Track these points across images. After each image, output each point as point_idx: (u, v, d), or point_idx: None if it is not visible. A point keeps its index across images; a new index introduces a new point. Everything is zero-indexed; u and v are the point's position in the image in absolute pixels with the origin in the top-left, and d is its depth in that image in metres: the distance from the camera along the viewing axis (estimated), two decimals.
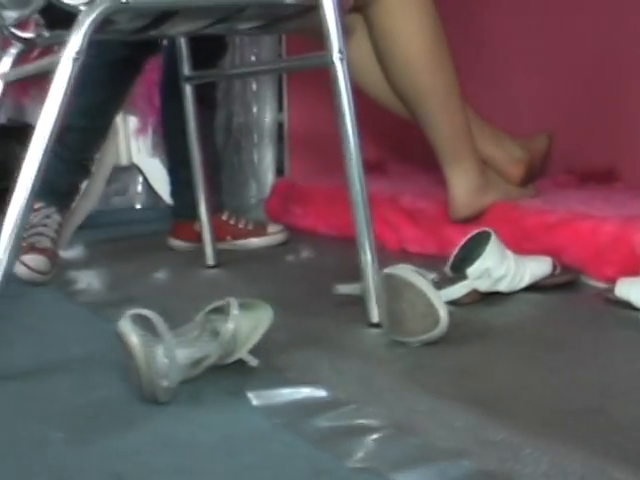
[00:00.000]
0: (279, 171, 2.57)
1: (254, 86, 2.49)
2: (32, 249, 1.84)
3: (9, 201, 1.26)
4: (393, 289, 1.35)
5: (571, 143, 2.12)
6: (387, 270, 1.38)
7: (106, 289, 1.75)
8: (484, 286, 1.54)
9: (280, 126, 2.49)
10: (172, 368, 1.13)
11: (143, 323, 1.16)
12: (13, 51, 1.64)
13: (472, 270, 1.53)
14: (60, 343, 1.43)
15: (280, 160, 2.56)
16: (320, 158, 2.47)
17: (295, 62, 1.62)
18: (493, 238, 1.55)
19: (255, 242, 2.14)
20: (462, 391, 1.14)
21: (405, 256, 1.98)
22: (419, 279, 1.33)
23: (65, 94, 1.26)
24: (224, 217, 2.13)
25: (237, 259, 2.01)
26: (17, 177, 1.25)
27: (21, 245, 1.86)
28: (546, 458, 0.94)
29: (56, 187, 1.94)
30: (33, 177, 1.26)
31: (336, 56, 1.40)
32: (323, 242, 2.17)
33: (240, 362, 1.25)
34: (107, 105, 1.99)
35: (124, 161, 2.47)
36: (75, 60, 1.26)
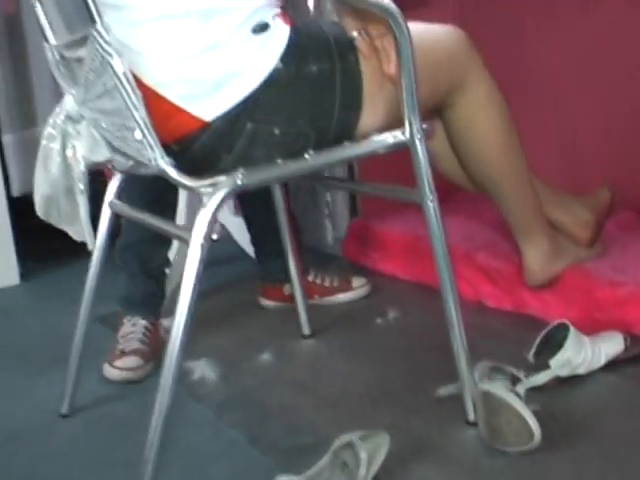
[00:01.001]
0: (353, 211, 2.76)
1: None
2: (122, 354, 2.07)
3: None
4: (491, 405, 1.59)
5: (630, 179, 2.31)
6: (485, 387, 1.62)
7: (220, 380, 1.99)
8: (565, 372, 1.78)
9: (350, 166, 2.66)
10: None
11: None
12: (118, 177, 1.84)
13: (554, 361, 1.76)
14: (202, 464, 1.66)
15: (353, 200, 2.75)
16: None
17: (386, 191, 1.81)
18: (572, 330, 1.78)
19: (341, 298, 2.37)
20: None
21: (483, 310, 2.22)
22: (514, 399, 1.57)
23: (197, 278, 1.46)
24: (310, 278, 2.36)
25: (329, 323, 2.25)
26: None
27: (115, 354, 2.09)
28: None
29: (133, 300, 2.17)
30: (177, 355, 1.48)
31: (428, 198, 1.61)
32: (405, 293, 2.39)
33: None
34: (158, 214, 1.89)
35: None
36: (203, 246, 1.47)
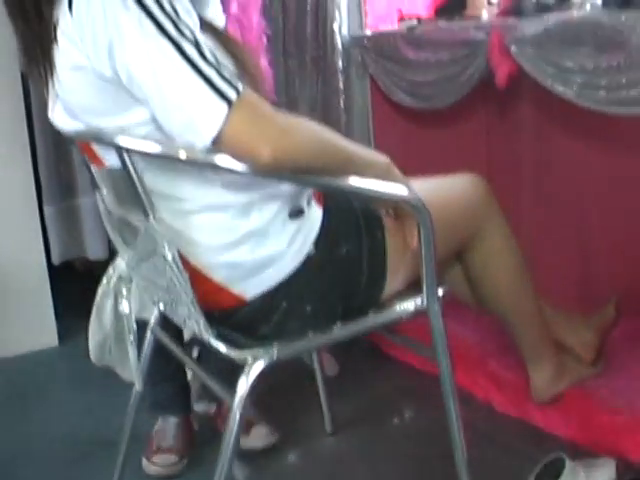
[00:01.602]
0: None
1: None
2: (158, 450, 2.35)
3: None
4: None
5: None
6: None
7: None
8: None
9: None
10: None
11: None
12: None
13: None
14: None
15: None
16: None
17: (406, 343, 2.07)
18: (567, 464, 2.04)
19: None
20: None
21: (491, 414, 2.48)
22: None
23: (235, 442, 1.70)
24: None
25: (350, 420, 2.53)
26: None
27: (152, 449, 2.38)
28: None
29: (160, 404, 2.43)
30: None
31: (441, 358, 1.86)
32: (422, 388, 2.62)
33: None
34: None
35: None
36: (242, 415, 1.72)
